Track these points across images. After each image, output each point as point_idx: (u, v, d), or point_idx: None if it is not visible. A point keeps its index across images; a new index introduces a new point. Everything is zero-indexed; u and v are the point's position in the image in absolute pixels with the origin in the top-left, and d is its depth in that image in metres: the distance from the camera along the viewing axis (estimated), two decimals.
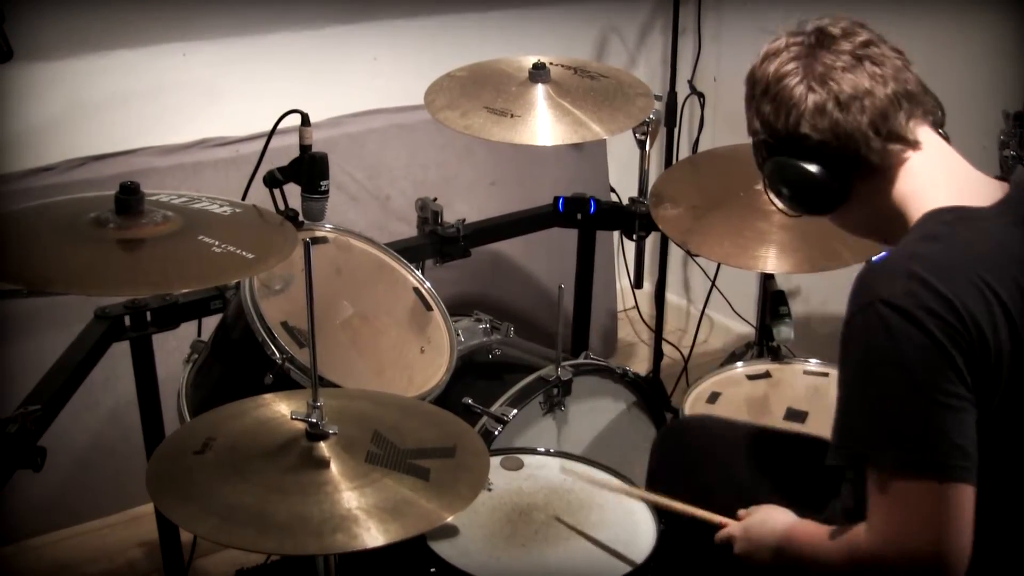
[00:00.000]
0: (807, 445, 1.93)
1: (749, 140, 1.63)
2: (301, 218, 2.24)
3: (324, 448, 1.58)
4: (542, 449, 2.11)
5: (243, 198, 2.25)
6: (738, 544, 1.68)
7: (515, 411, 2.17)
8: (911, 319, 1.34)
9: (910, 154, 1.50)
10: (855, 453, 1.42)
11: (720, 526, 1.72)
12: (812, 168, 1.50)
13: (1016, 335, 1.39)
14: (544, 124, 2.35)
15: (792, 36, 1.53)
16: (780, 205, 1.61)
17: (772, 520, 1.64)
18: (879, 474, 1.39)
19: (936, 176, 1.51)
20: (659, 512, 1.88)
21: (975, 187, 1.51)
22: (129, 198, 1.76)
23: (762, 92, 1.53)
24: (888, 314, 1.35)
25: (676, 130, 3.43)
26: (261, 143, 2.33)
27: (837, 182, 1.51)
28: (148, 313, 2.21)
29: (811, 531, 1.56)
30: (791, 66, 1.50)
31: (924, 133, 1.52)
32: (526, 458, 2.07)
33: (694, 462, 1.91)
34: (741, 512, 1.72)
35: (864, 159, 1.49)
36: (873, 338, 1.37)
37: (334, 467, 1.56)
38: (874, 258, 1.48)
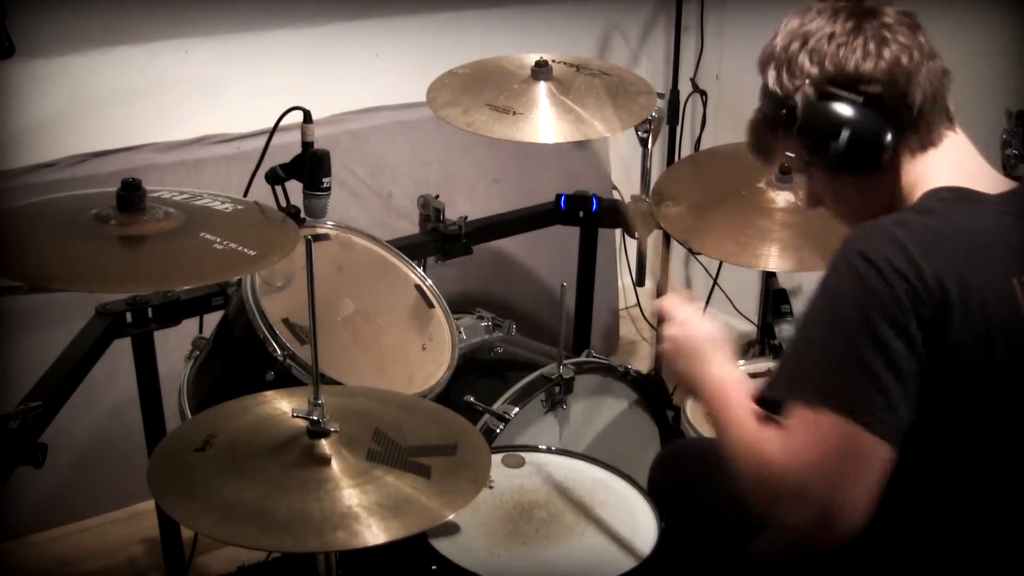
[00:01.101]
0: None
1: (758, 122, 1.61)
2: (303, 215, 2.24)
3: (325, 445, 1.58)
4: (543, 446, 2.11)
5: (245, 195, 2.24)
6: (668, 343, 1.66)
7: (517, 409, 2.17)
8: (879, 272, 1.35)
9: (949, 132, 1.51)
10: (786, 386, 1.43)
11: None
12: (873, 113, 1.47)
13: (986, 323, 1.37)
14: (546, 121, 2.35)
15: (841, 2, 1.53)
16: (809, 158, 1.54)
17: (705, 361, 1.61)
18: (800, 402, 1.38)
19: (955, 160, 1.50)
20: (660, 510, 1.88)
21: (987, 177, 1.51)
22: (131, 195, 1.76)
23: (825, 37, 1.49)
24: (859, 263, 1.36)
25: (678, 128, 3.43)
26: (263, 140, 2.32)
27: (891, 135, 1.47)
28: (149, 310, 2.21)
29: (744, 402, 1.51)
30: (855, 20, 1.49)
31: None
32: (527, 455, 2.07)
33: (694, 486, 1.91)
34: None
35: (921, 119, 1.48)
36: (838, 281, 1.39)
37: (335, 464, 1.56)
38: None
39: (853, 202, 1.59)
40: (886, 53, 1.47)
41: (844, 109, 1.48)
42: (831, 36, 1.49)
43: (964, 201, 1.45)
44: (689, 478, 1.93)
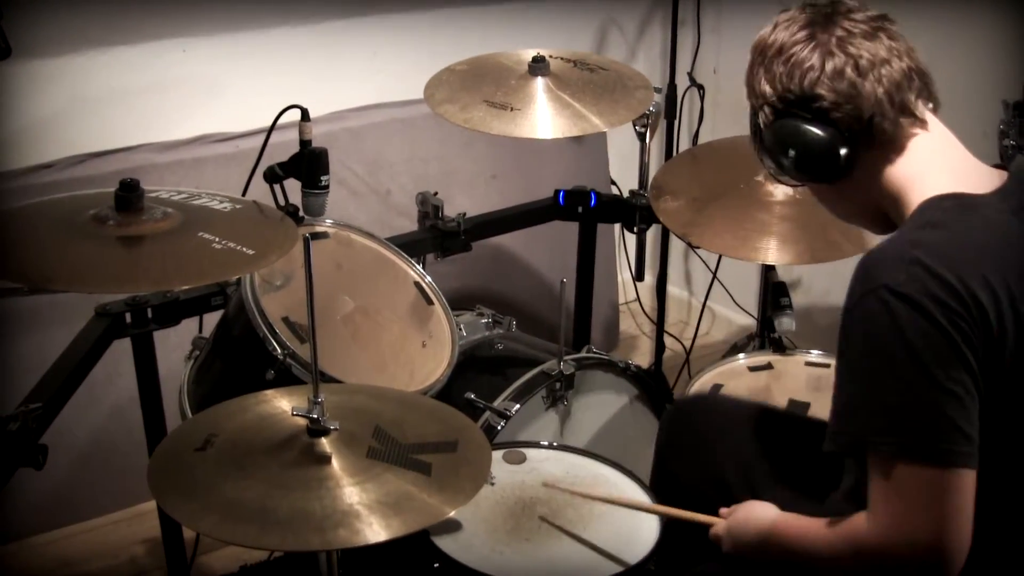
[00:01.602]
0: (816, 427, 1.93)
1: (749, 132, 1.62)
2: (301, 213, 2.24)
3: (325, 444, 1.58)
4: (544, 442, 2.11)
5: (243, 194, 2.24)
6: (724, 544, 1.68)
7: (517, 406, 2.17)
8: (915, 306, 1.34)
9: (918, 131, 1.51)
10: (854, 440, 1.42)
11: (708, 527, 1.73)
12: (822, 131, 1.50)
13: (1019, 323, 1.38)
14: (544, 117, 2.35)
15: (806, 6, 1.55)
16: (778, 173, 1.60)
17: (755, 517, 1.64)
18: (881, 461, 1.39)
19: (937, 160, 1.51)
20: (670, 469, 1.88)
21: (973, 174, 1.51)
22: (129, 195, 1.76)
23: (775, 54, 1.52)
24: (892, 301, 1.35)
25: (676, 122, 3.43)
26: (261, 139, 2.32)
27: (845, 148, 1.50)
28: (149, 310, 2.21)
29: (799, 523, 1.56)
30: (808, 31, 1.51)
31: (929, 114, 1.53)
32: (528, 452, 2.06)
33: (702, 442, 1.90)
34: (723, 511, 1.72)
35: (875, 128, 1.49)
36: (877, 325, 1.37)
37: (336, 462, 1.56)
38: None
39: (835, 206, 1.63)
40: (828, 66, 1.49)
41: (793, 127, 1.51)
42: (781, 50, 1.52)
43: (967, 208, 1.44)
44: (699, 435, 1.92)
